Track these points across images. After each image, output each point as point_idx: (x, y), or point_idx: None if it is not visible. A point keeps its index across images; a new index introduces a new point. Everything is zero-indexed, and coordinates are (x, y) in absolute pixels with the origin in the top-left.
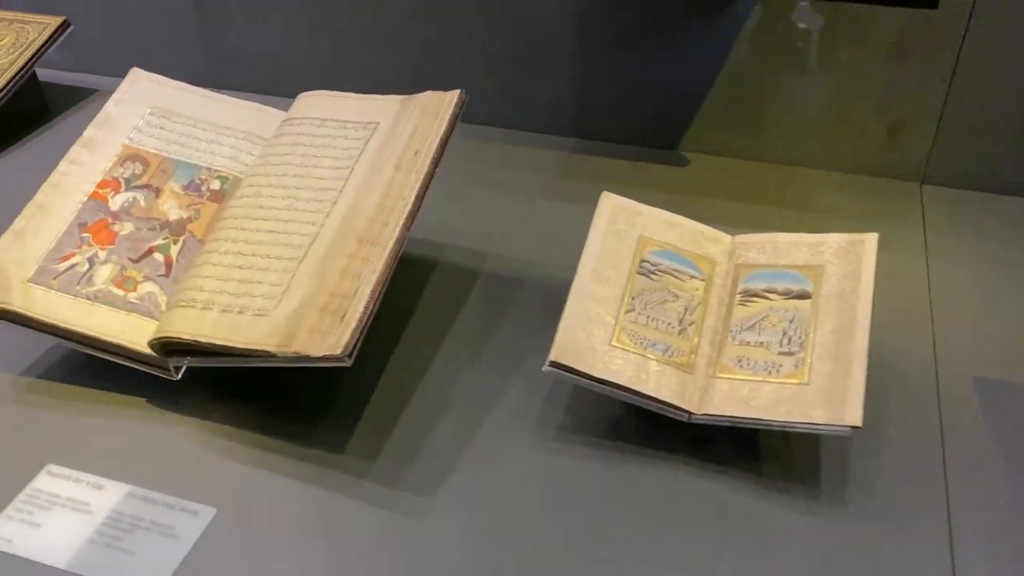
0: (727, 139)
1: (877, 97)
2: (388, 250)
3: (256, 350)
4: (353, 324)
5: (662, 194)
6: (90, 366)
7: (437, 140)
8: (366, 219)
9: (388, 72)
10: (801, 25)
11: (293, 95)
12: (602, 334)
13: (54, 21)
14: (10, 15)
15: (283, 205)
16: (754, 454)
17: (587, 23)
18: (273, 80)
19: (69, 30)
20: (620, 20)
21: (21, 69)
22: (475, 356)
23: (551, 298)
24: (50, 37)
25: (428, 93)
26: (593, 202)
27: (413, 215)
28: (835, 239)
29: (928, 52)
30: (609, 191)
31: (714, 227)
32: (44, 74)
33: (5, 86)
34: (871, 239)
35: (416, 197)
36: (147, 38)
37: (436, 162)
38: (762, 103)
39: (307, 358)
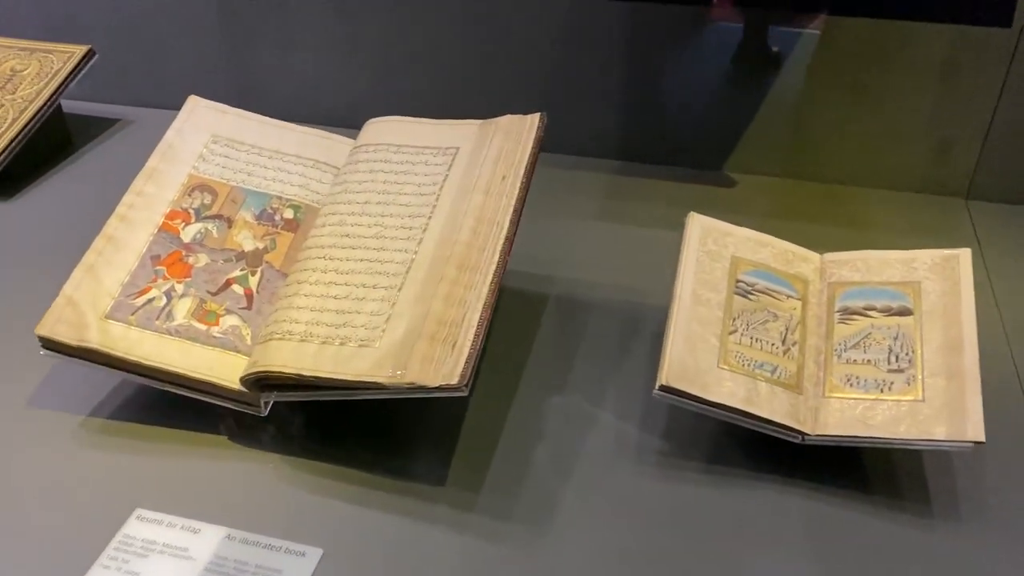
0: (774, 159)
1: (925, 114)
2: (490, 276)
3: (366, 382)
4: (466, 352)
5: (713, 212)
6: (160, 404)
7: (524, 164)
8: (463, 244)
9: (428, 98)
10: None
11: (325, 123)
12: (709, 356)
13: (79, 50)
14: (32, 44)
15: (371, 233)
16: (859, 473)
17: (633, 47)
18: (304, 107)
19: (94, 59)
20: (666, 42)
21: (48, 100)
22: (560, 382)
23: (622, 320)
24: (76, 67)
25: (508, 117)
26: (645, 222)
27: (510, 240)
28: (928, 255)
29: (978, 69)
30: (661, 212)
31: None
32: (66, 104)
33: (32, 118)
34: (965, 255)
35: (511, 222)
36: (171, 66)
37: (526, 186)
38: (809, 123)
39: (422, 388)
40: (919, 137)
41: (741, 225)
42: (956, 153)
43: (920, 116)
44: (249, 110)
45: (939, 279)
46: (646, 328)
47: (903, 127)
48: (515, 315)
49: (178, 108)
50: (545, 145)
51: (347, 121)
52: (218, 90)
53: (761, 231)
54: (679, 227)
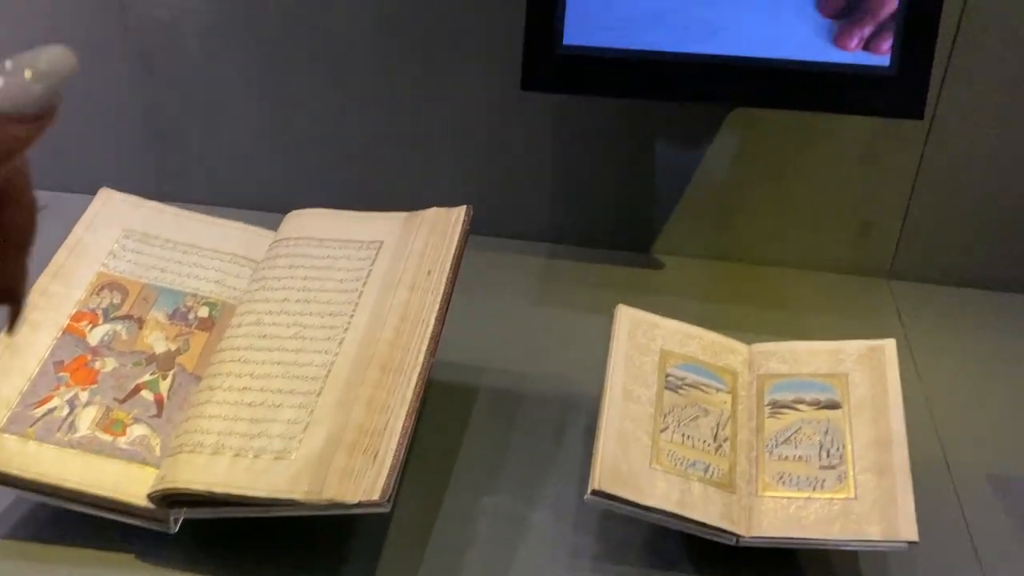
0: (702, 241)
1: (846, 197)
2: (414, 379)
3: (282, 499)
4: (388, 464)
5: (642, 296)
6: (63, 520)
7: (450, 258)
8: (386, 344)
9: (355, 183)
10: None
11: (252, 207)
12: (641, 456)
13: None
14: None
15: (290, 333)
16: (796, 571)
17: (564, 132)
18: (229, 191)
19: None
20: (596, 128)
21: None
22: (492, 482)
23: (555, 412)
24: None
25: (434, 210)
26: (577, 306)
27: (436, 338)
28: (854, 346)
29: (894, 155)
30: (592, 295)
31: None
32: None
33: None
34: (890, 346)
35: (436, 319)
36: (88, 147)
37: (452, 281)
38: (734, 205)
39: (340, 505)
40: (841, 219)
41: (671, 308)
42: (877, 235)
43: (841, 199)
44: (172, 193)
45: (866, 371)
46: (580, 420)
47: (825, 210)
48: (444, 409)
49: (94, 192)
50: (477, 227)
51: (273, 205)
52: (139, 172)
53: (690, 313)
54: (610, 311)
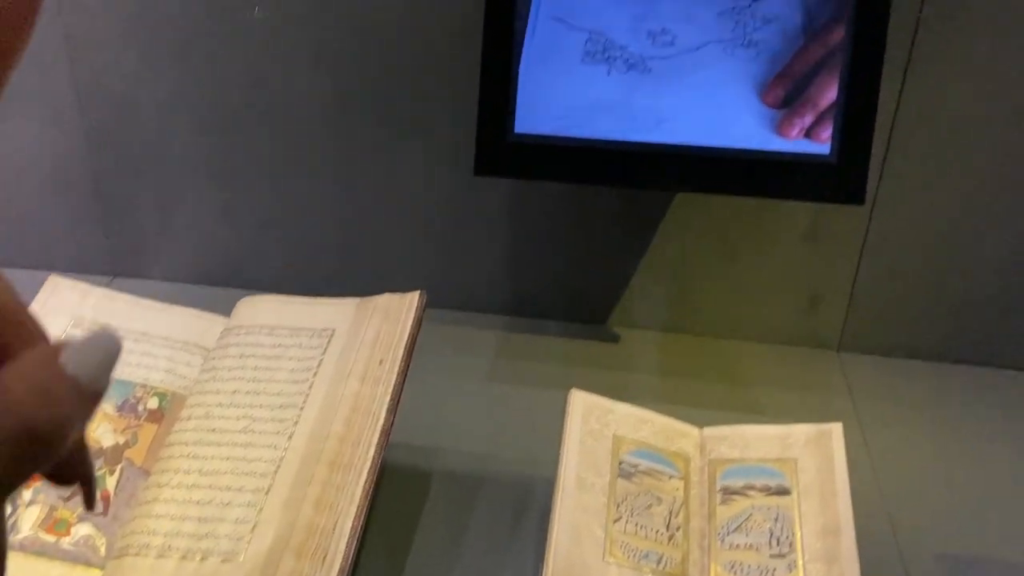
0: (657, 314)
1: (794, 272)
2: (364, 476)
3: None
4: (337, 566)
5: (598, 372)
6: None
7: (403, 347)
8: (336, 439)
9: (307, 262)
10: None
11: (205, 282)
12: (595, 549)
13: None
14: None
15: (239, 427)
16: None
17: (520, 205)
18: (182, 269)
19: None
20: (551, 201)
21: None
22: (446, 573)
23: (511, 496)
24: None
25: (387, 296)
26: (533, 382)
27: (387, 432)
28: (801, 431)
29: (838, 233)
30: (548, 370)
31: (651, 405)
32: None
33: None
34: (837, 430)
35: (387, 411)
36: (39, 225)
37: (404, 371)
38: (687, 280)
39: None
40: (789, 294)
41: (626, 383)
42: (825, 308)
43: (788, 274)
44: (124, 268)
45: (813, 456)
46: (536, 503)
47: (774, 284)
48: (398, 495)
49: (45, 265)
50: (432, 300)
51: (229, 280)
52: (90, 246)
53: (645, 389)
54: (566, 387)
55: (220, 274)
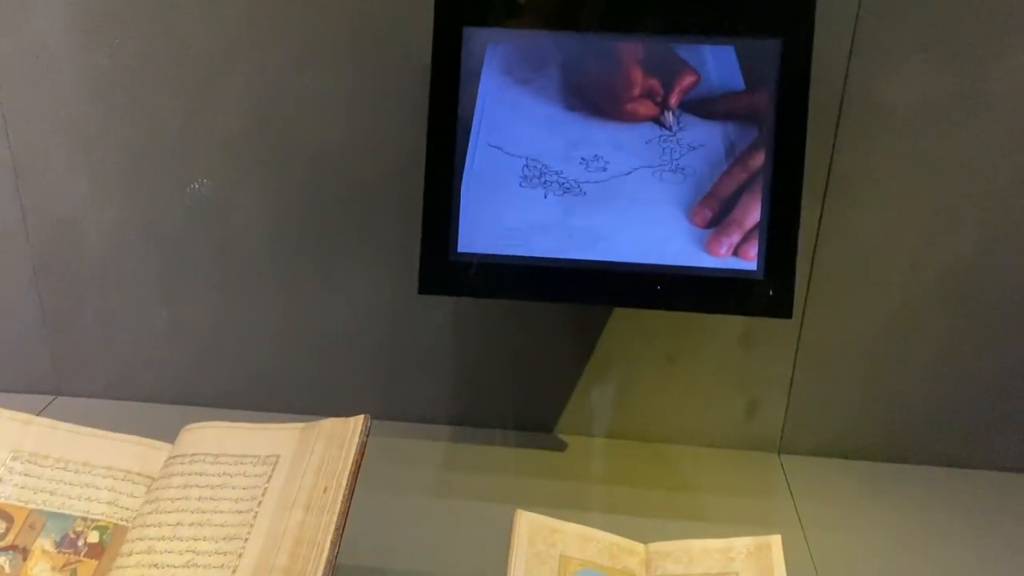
0: (601, 420)
1: (731, 377)
2: None
3: None
4: None
5: (544, 482)
6: None
7: (347, 473)
8: (281, 571)
9: (252, 381)
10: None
11: (149, 399)
12: None
13: None
14: None
15: (182, 561)
16: None
17: (464, 315)
18: (126, 387)
19: None
20: (495, 313)
21: None
22: None
23: None
24: None
25: (331, 421)
26: (480, 495)
27: (332, 562)
28: (743, 544)
29: (771, 339)
30: (495, 481)
31: (597, 514)
32: None
33: None
34: (776, 543)
35: (332, 543)
36: None
37: (349, 498)
38: (629, 386)
39: None
40: (729, 398)
41: (572, 491)
42: (764, 411)
43: (727, 378)
44: (67, 390)
45: (754, 568)
46: None
47: (713, 389)
48: None
49: None
50: (378, 413)
51: (175, 398)
52: (35, 366)
53: (590, 497)
54: (513, 499)
55: (165, 392)
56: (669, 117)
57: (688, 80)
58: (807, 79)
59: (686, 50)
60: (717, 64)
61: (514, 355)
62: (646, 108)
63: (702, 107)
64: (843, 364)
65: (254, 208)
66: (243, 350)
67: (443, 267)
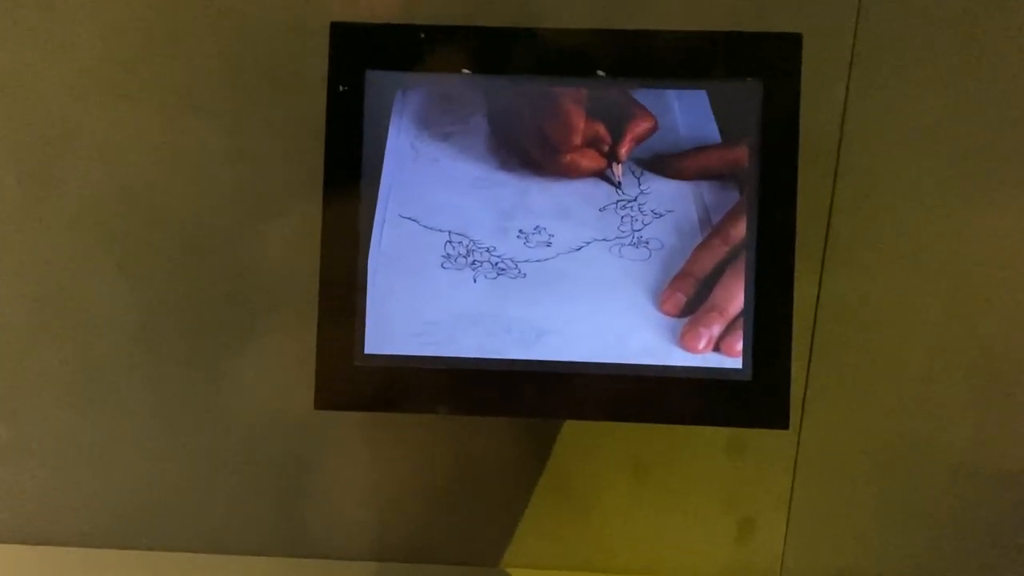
0: (559, 550)
1: (718, 494)
2: None
3: None
4: None
5: None
6: None
7: None
8: None
9: (142, 509)
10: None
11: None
12: None
13: None
14: None
15: None
16: None
17: (378, 434)
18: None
19: None
20: (419, 428)
21: None
22: None
23: None
24: None
25: None
26: None
27: None
28: None
29: (765, 446)
30: None
31: None
32: None
33: None
34: None
35: None
36: None
37: None
38: (592, 509)
39: None
40: (716, 519)
41: None
42: (759, 533)
43: (712, 494)
44: None
45: None
46: None
47: (697, 509)
48: None
49: None
50: (279, 549)
51: (13, 536)
52: None
53: None
54: None
55: (5, 530)
56: (617, 171)
57: (643, 127)
58: (796, 127)
59: (646, 95)
60: (686, 112)
61: (448, 473)
62: (590, 159)
63: (669, 164)
64: (852, 473)
65: (115, 298)
66: (106, 476)
67: (345, 374)
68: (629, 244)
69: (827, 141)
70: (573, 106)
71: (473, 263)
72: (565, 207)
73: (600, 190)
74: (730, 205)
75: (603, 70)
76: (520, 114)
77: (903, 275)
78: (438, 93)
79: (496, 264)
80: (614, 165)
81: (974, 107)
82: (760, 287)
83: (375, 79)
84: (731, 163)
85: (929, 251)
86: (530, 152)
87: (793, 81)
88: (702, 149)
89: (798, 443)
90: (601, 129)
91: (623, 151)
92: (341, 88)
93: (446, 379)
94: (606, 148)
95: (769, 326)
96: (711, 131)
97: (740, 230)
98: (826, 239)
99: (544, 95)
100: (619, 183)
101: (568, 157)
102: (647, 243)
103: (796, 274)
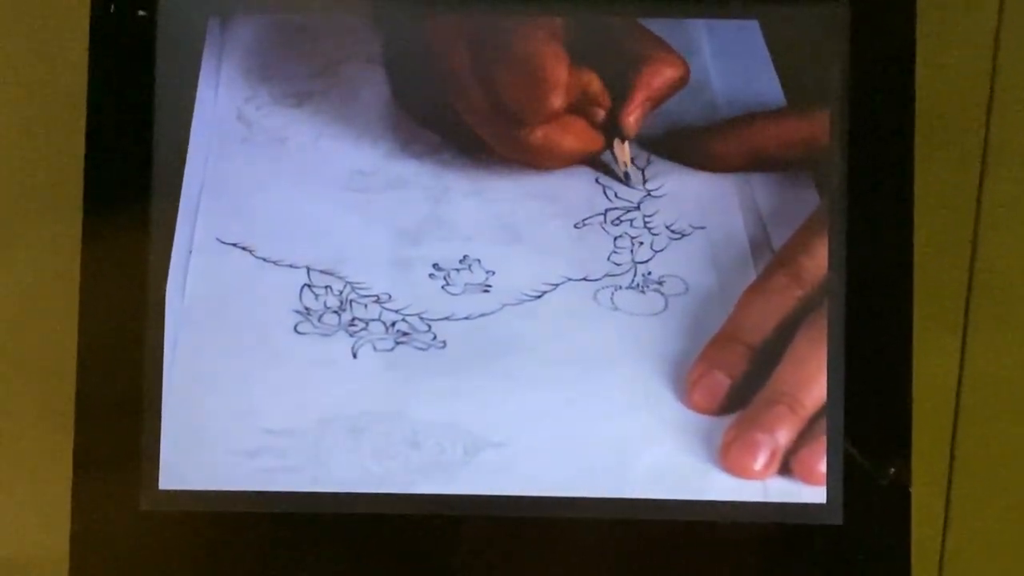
0: None
1: None
2: None
3: None
4: None
5: None
6: None
7: None
8: None
9: None
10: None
11: None
12: None
13: None
14: None
15: None
16: None
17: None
18: None
19: None
20: None
21: None
22: None
23: None
24: None
25: None
26: None
27: None
28: None
29: None
30: None
31: None
32: None
33: None
34: None
35: None
36: None
37: None
38: None
39: None
40: None
41: None
42: None
43: None
44: None
45: None
46: None
47: None
48: None
49: None
50: None
51: None
52: None
53: None
54: None
55: None
56: (622, 153)
57: (663, 77)
58: (911, 83)
59: (661, 27)
60: (725, 56)
61: None
62: (576, 135)
63: (696, 146)
64: None
65: None
66: None
67: (124, 526)
68: (629, 286)
69: (967, 106)
70: (545, 45)
71: (352, 323)
72: (515, 222)
73: (581, 191)
74: (802, 216)
75: None
76: (444, 59)
77: None
78: (287, 24)
79: (394, 325)
80: (616, 144)
81: None
82: (855, 360)
83: (174, 2)
84: (802, 143)
85: None
86: (461, 124)
87: (905, 5)
88: (753, 119)
89: None
90: (594, 82)
91: (631, 119)
92: (112, 9)
93: (303, 535)
94: (602, 115)
95: (874, 429)
96: (768, 89)
97: (820, 260)
98: (970, 275)
99: (492, 28)
100: (626, 175)
101: (538, 132)
102: (660, 284)
103: (918, 337)
